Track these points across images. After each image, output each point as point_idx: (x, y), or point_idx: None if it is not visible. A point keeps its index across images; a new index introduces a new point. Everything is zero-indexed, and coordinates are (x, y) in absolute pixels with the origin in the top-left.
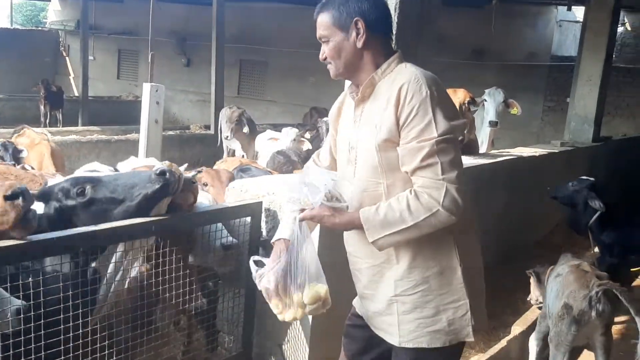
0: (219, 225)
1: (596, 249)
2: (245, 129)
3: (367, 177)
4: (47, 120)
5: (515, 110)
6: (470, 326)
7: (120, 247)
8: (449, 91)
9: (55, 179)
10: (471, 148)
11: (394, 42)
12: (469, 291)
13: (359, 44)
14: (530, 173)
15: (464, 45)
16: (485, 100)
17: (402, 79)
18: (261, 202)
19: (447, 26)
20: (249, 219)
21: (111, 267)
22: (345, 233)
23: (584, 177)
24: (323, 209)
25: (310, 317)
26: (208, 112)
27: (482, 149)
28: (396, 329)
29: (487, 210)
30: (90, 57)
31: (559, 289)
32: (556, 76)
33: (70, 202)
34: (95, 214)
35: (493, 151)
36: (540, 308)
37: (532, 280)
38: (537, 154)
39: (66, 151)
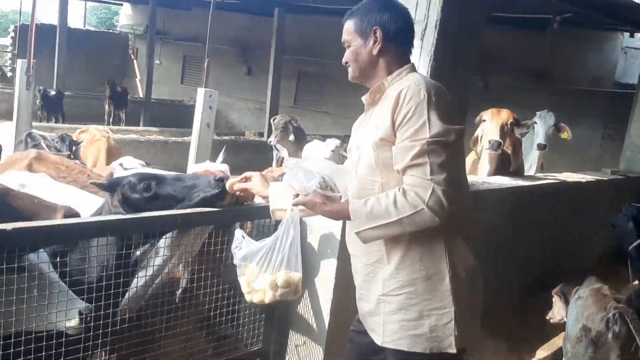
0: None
1: (635, 282)
2: (291, 137)
3: (365, 175)
4: (111, 119)
5: (566, 134)
6: (453, 336)
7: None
8: (493, 111)
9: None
10: (516, 170)
11: (430, 58)
12: (457, 301)
13: (375, 51)
14: (574, 199)
15: (524, 67)
16: (536, 123)
17: (404, 84)
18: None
19: (507, 47)
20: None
21: (158, 260)
22: (347, 233)
23: (634, 204)
24: (316, 196)
25: (326, 321)
26: (264, 120)
27: (531, 172)
28: (381, 328)
29: (526, 234)
30: (157, 61)
31: (578, 312)
32: (618, 103)
33: (136, 196)
34: (156, 209)
35: (538, 174)
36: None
37: (558, 300)
38: (583, 180)
39: (125, 149)
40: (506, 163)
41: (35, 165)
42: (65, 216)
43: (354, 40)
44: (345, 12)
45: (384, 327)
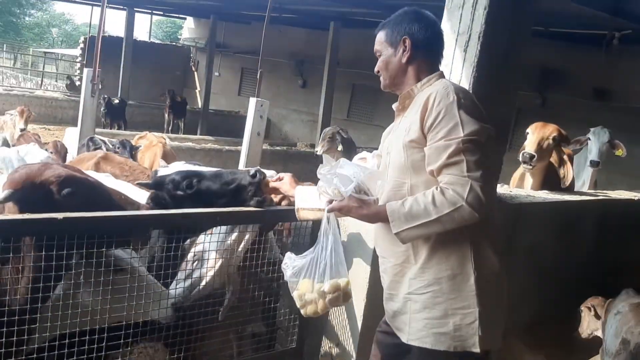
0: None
1: None
2: (340, 148)
3: (395, 177)
4: (170, 128)
5: (621, 151)
6: (477, 336)
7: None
8: (538, 124)
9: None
10: (559, 183)
11: (473, 70)
12: (481, 302)
13: (404, 60)
14: (626, 217)
15: (583, 83)
16: (589, 140)
17: (433, 89)
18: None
19: (565, 63)
20: (310, 222)
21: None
22: (375, 235)
23: None
24: (352, 200)
25: (359, 324)
26: (317, 132)
27: (583, 189)
28: (407, 326)
29: (570, 250)
30: (216, 73)
31: (617, 327)
32: None
33: (179, 193)
34: (200, 205)
35: (588, 190)
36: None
37: (587, 314)
38: (635, 198)
39: (181, 156)
40: (554, 178)
41: (102, 165)
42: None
43: (385, 50)
44: None
45: (410, 325)
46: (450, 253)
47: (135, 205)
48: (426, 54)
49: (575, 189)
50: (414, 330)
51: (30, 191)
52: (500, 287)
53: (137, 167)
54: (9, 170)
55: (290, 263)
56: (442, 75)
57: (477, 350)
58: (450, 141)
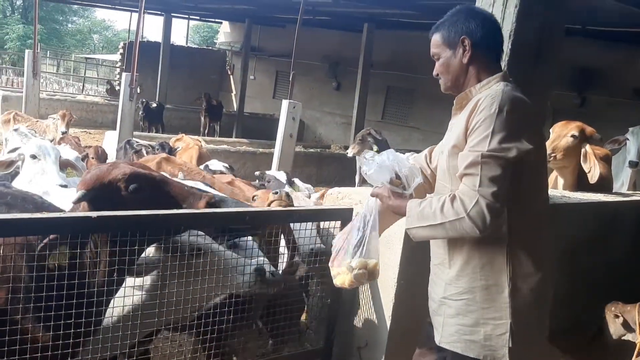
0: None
1: None
2: (375, 149)
3: (440, 180)
4: (206, 131)
5: None
6: (507, 348)
7: None
8: (561, 123)
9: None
10: (601, 187)
11: (504, 68)
12: (514, 314)
13: (465, 60)
14: None
15: (622, 83)
16: (628, 139)
17: (485, 94)
18: (352, 209)
19: (605, 63)
20: (339, 222)
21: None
22: None
23: None
24: (384, 189)
25: (388, 324)
26: (351, 134)
27: (622, 190)
28: (441, 328)
29: (607, 254)
30: (251, 77)
31: None
32: None
33: None
34: None
35: (626, 192)
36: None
37: (613, 319)
38: None
39: (216, 158)
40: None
41: (163, 165)
42: (207, 203)
43: (443, 52)
44: (432, 26)
45: (443, 328)
46: (485, 263)
47: (197, 195)
48: (486, 51)
49: (614, 190)
50: (446, 334)
51: (101, 190)
52: (539, 302)
53: (194, 169)
54: (45, 158)
55: (340, 235)
56: (503, 77)
57: None
58: (472, 152)
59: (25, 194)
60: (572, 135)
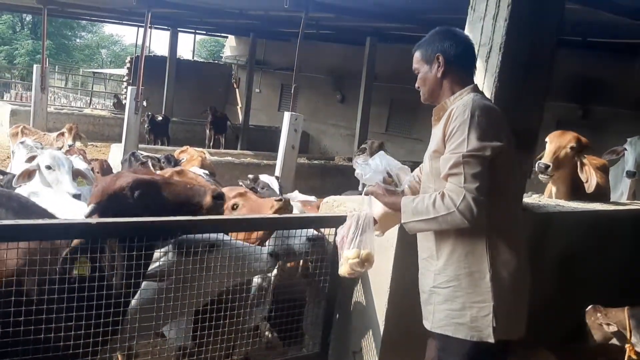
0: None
1: None
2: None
3: (425, 182)
4: (211, 143)
5: None
6: (491, 327)
7: None
8: (556, 133)
9: None
10: (598, 196)
11: (494, 80)
12: (496, 297)
13: (439, 74)
14: None
15: (625, 94)
16: (626, 150)
17: (457, 104)
18: (347, 216)
19: (606, 74)
20: (335, 229)
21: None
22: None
23: None
24: (379, 188)
25: (382, 329)
26: (355, 146)
27: (621, 200)
28: (431, 315)
29: (604, 263)
30: (256, 90)
31: None
32: None
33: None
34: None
35: (623, 201)
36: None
37: (599, 326)
38: None
39: (220, 170)
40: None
41: (175, 178)
42: (213, 196)
43: (422, 67)
44: None
45: (434, 315)
46: (468, 252)
47: (202, 190)
48: (458, 68)
49: (613, 200)
50: (436, 319)
51: (109, 201)
52: (519, 285)
53: (205, 184)
54: (59, 168)
55: (339, 231)
56: (474, 89)
57: (491, 340)
58: (454, 154)
59: (9, 193)
60: (571, 147)
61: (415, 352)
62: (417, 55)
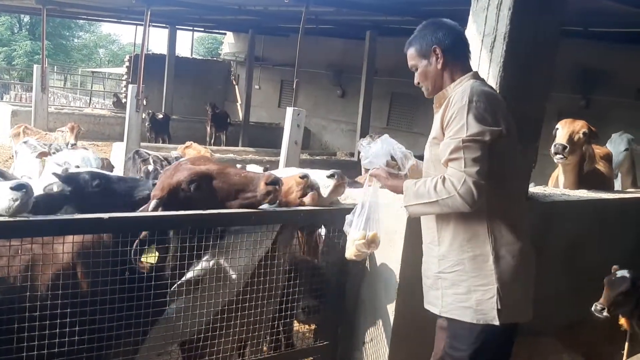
0: None
1: None
2: None
3: (426, 169)
4: (212, 140)
5: None
6: (496, 310)
7: None
8: (567, 120)
9: None
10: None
11: (499, 70)
12: (500, 280)
13: (439, 66)
14: None
15: (627, 84)
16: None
17: (456, 91)
18: (352, 208)
19: (609, 64)
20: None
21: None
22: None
23: None
24: (382, 171)
25: (391, 320)
26: (356, 141)
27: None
28: (440, 300)
29: (609, 251)
30: (256, 87)
31: None
32: None
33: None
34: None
35: (629, 189)
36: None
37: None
38: None
39: None
40: (593, 177)
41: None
42: (267, 182)
43: (419, 63)
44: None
45: (442, 299)
46: (471, 237)
47: (255, 177)
48: (456, 55)
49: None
50: (445, 304)
51: (170, 195)
52: (523, 267)
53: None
54: (88, 168)
55: (349, 216)
56: (474, 76)
57: (496, 323)
58: (454, 140)
59: None
60: (584, 133)
61: (426, 342)
62: (411, 51)
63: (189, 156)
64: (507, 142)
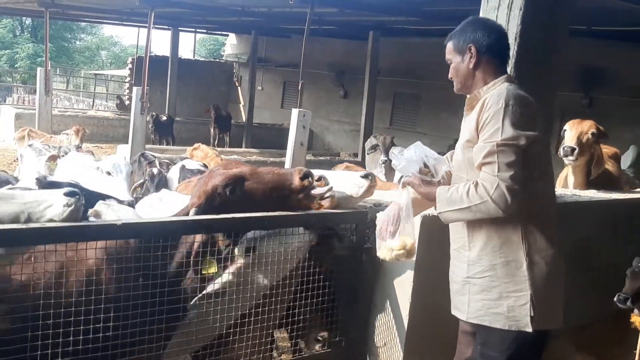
0: None
1: None
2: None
3: (456, 172)
4: (216, 142)
5: None
6: (529, 317)
7: None
8: (575, 121)
9: None
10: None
11: (511, 70)
12: (534, 286)
13: (471, 65)
14: None
15: (630, 82)
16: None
17: (491, 93)
18: (366, 212)
19: (611, 62)
20: (354, 225)
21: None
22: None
23: None
24: (415, 178)
25: (405, 324)
26: (359, 141)
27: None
28: (466, 306)
29: (622, 254)
30: (259, 88)
31: None
32: None
33: None
34: None
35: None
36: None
37: None
38: None
39: None
40: (602, 178)
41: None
42: (300, 177)
43: (454, 58)
44: (437, 33)
45: (469, 305)
46: (504, 242)
47: (288, 173)
48: (491, 58)
49: None
50: (472, 310)
51: (208, 201)
52: (555, 273)
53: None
54: (118, 174)
55: (378, 220)
56: (508, 79)
57: (529, 329)
58: (488, 143)
59: None
60: (592, 133)
61: (440, 347)
62: (449, 45)
63: (197, 158)
64: (542, 146)
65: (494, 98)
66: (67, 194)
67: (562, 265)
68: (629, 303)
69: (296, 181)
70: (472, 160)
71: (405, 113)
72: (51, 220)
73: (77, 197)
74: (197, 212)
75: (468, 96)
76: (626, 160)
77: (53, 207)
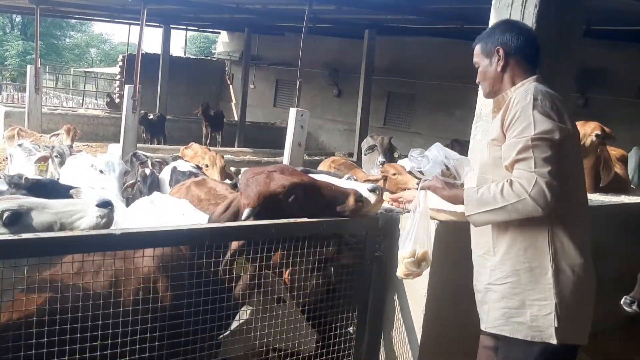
0: None
1: None
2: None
3: (481, 173)
4: (208, 141)
5: None
6: (553, 327)
7: None
8: (578, 123)
9: None
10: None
11: None
12: (559, 295)
13: (499, 68)
14: None
15: (626, 82)
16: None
17: (518, 92)
18: (377, 218)
19: (607, 62)
20: (365, 232)
21: None
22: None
23: None
24: (437, 181)
25: (418, 337)
26: (354, 141)
27: None
28: (485, 315)
29: (633, 260)
30: (251, 86)
31: None
32: None
33: None
34: None
35: None
36: None
37: None
38: None
39: None
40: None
41: (192, 188)
42: (357, 199)
43: (482, 61)
44: (433, 32)
45: (488, 314)
46: (528, 246)
47: (345, 192)
48: (519, 60)
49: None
50: (491, 319)
51: (264, 204)
52: (583, 282)
53: (222, 193)
54: (110, 173)
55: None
56: (537, 79)
57: (554, 341)
58: (521, 139)
59: None
60: (596, 135)
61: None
62: (477, 49)
63: (188, 157)
64: (573, 143)
65: (520, 94)
66: (99, 205)
67: (593, 278)
68: (634, 307)
69: (351, 202)
70: (498, 160)
71: (400, 112)
72: None
73: (110, 207)
74: (251, 214)
75: (495, 98)
76: (629, 163)
77: (86, 218)
